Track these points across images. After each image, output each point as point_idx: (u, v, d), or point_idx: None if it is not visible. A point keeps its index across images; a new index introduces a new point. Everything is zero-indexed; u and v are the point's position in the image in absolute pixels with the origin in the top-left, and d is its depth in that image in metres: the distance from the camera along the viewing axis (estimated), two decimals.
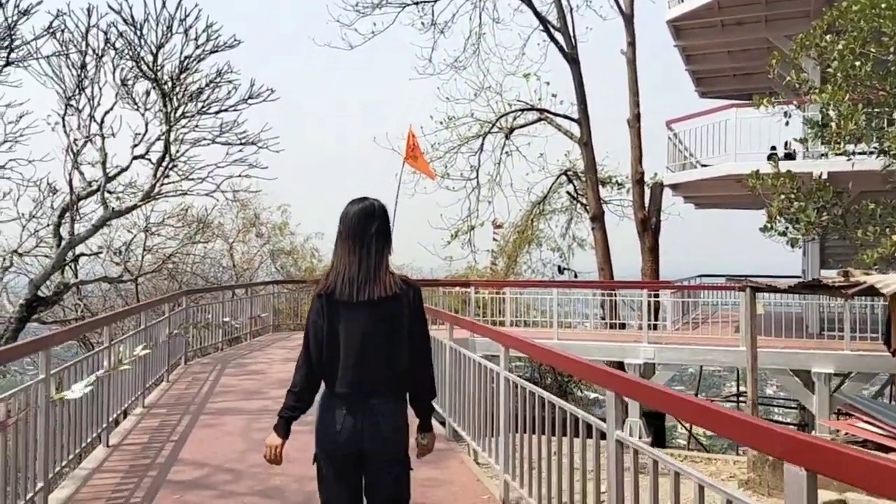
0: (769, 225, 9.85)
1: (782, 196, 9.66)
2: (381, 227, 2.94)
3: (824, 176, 12.02)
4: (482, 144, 18.72)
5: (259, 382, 9.15)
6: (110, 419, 6.20)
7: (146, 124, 12.67)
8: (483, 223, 18.83)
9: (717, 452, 13.41)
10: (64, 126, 12.27)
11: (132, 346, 7.16)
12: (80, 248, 18.26)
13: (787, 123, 10.38)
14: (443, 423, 6.59)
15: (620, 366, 14.55)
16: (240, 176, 12.36)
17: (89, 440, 5.69)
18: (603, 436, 3.34)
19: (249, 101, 12.17)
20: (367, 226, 2.91)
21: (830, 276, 14.59)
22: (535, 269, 21.13)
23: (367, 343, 2.84)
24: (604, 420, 3.36)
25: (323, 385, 2.93)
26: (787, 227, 9.78)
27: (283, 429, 3.02)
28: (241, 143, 12.07)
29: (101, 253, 17.18)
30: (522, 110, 18.82)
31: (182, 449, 5.98)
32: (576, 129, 18.51)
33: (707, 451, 15.27)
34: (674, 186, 16.45)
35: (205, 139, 12.25)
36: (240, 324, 13.00)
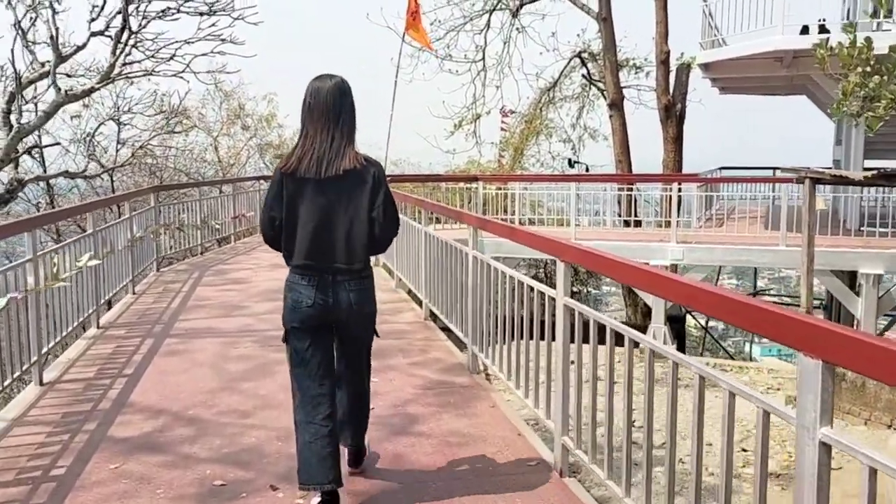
0: (840, 105, 8.27)
1: (859, 69, 8.04)
2: (352, 104, 2.99)
3: None
4: (489, 21, 16.71)
5: (241, 294, 7.84)
6: (44, 350, 4.88)
7: None
8: (489, 111, 17.10)
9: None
10: None
11: (75, 254, 5.76)
12: (46, 140, 16.71)
13: None
14: (462, 348, 5.33)
15: None
16: (212, 53, 10.60)
17: (11, 379, 4.38)
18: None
19: None
20: (342, 103, 2.94)
21: (876, 167, 13.14)
22: (544, 163, 19.59)
23: (330, 218, 2.91)
24: None
25: (287, 261, 3.01)
26: (861, 107, 8.21)
27: None
28: (211, 13, 10.24)
29: (60, 145, 15.53)
30: None
31: (136, 388, 4.69)
32: (593, 2, 16.48)
33: (732, 357, 14.33)
34: (705, 67, 14.66)
35: (170, 9, 10.41)
36: (221, 224, 11.59)
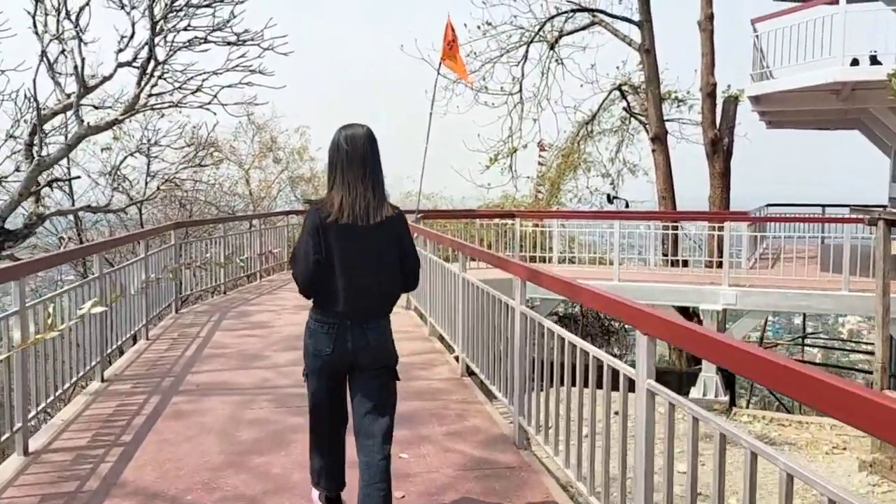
0: None
1: None
2: (379, 151, 3.03)
3: None
4: (526, 53, 16.19)
5: (261, 341, 7.23)
6: (30, 415, 4.29)
7: (133, 24, 10.50)
8: (526, 145, 16.49)
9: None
10: (35, 26, 10.15)
11: (78, 301, 5.21)
12: (76, 173, 16.49)
13: None
14: (506, 414, 4.62)
15: (686, 312, 12.53)
16: (240, 84, 10.17)
17: None
18: None
19: None
20: (374, 151, 2.98)
21: None
22: (582, 198, 18.87)
23: (364, 266, 2.93)
24: None
25: (312, 304, 3.04)
26: None
27: None
28: (240, 42, 9.84)
29: (80, 178, 15.26)
30: (573, 11, 16.17)
31: (131, 461, 4.06)
32: (636, 34, 15.89)
33: (788, 411, 13.33)
34: (755, 99, 13.93)
35: (197, 38, 10.03)
36: (245, 262, 11.06)
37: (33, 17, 10.03)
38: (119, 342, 6.43)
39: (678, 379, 13.09)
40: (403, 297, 9.72)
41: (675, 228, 14.30)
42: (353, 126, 3.02)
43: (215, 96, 10.20)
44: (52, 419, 4.86)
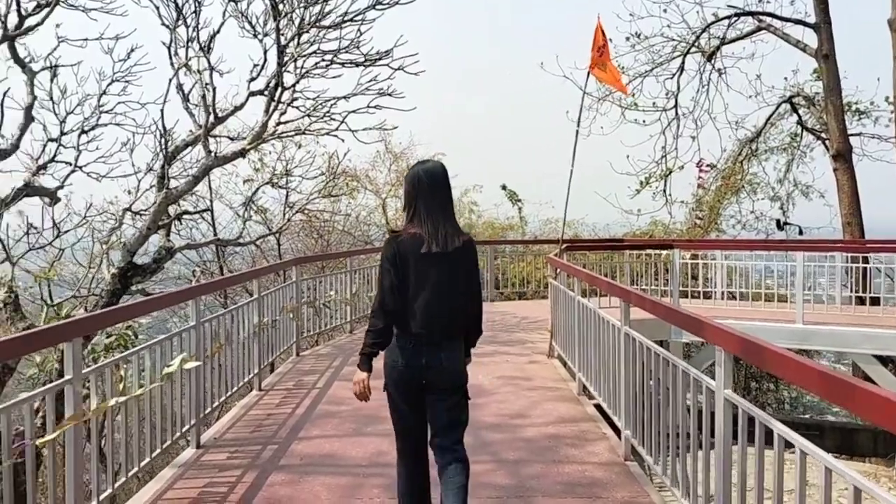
0: None
1: None
2: (450, 185, 3.30)
3: None
4: (682, 64, 14.55)
5: (382, 395, 6.24)
6: (103, 495, 3.48)
7: (265, 52, 10.12)
8: (682, 166, 14.77)
9: None
10: (170, 58, 10.01)
11: (166, 356, 4.45)
12: (217, 206, 16.66)
13: None
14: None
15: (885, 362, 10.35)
16: (370, 107, 9.44)
17: None
18: None
19: (379, 5, 9.15)
20: (447, 184, 3.26)
21: None
22: (747, 224, 16.77)
23: (438, 290, 3.14)
24: None
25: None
26: None
27: (366, 364, 3.27)
28: (367, 63, 9.12)
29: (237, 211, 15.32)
30: (736, 15, 14.36)
31: None
32: (811, 38, 13.87)
33: None
34: None
35: (323, 61, 9.43)
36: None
37: (168, 49, 9.88)
38: (224, 397, 5.66)
39: None
40: (545, 343, 8.53)
41: (866, 260, 12.08)
42: (428, 161, 3.32)
43: (343, 121, 9.53)
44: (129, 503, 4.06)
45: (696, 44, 15.13)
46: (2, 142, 9.13)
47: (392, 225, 22.63)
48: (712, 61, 15.36)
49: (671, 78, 14.69)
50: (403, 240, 3.14)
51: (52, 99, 9.88)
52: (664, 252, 12.65)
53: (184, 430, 4.70)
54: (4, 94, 8.86)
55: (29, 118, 9.34)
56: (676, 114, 14.59)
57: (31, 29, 8.85)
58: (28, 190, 9.29)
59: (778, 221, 16.43)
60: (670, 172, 14.54)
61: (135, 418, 3.97)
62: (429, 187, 3.18)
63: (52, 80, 9.85)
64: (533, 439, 5.05)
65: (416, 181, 3.20)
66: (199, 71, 9.85)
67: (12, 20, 8.96)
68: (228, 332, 5.67)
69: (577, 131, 8.02)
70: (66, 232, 10.24)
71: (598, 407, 5.79)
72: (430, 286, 3.11)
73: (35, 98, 9.38)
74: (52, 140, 10.00)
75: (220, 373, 5.58)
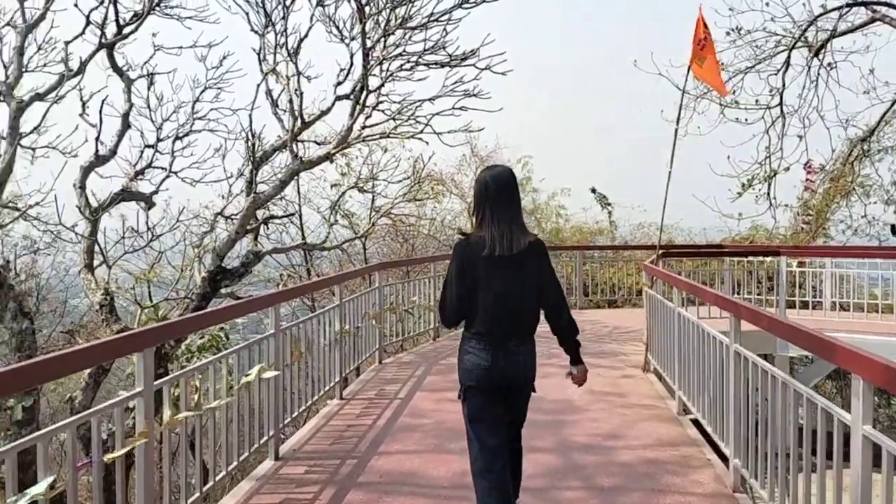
0: None
1: None
2: (518, 189, 3.40)
3: None
4: (788, 59, 13.61)
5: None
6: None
7: (351, 56, 10.06)
8: (788, 167, 13.81)
9: None
10: (260, 64, 10.10)
11: (244, 365, 4.31)
12: (306, 210, 16.84)
13: None
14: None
15: None
16: (455, 108, 9.20)
17: None
18: None
19: (466, 4, 8.90)
20: (515, 189, 3.33)
21: None
22: (858, 229, 15.57)
23: (510, 293, 3.21)
24: None
25: (464, 328, 3.32)
26: None
27: None
28: (453, 63, 8.87)
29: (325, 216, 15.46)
30: (849, 5, 13.30)
31: None
32: None
33: None
34: None
35: (409, 62, 9.26)
36: None
37: (258, 55, 9.96)
38: (304, 407, 5.51)
39: None
40: (638, 355, 8.03)
41: None
42: (496, 167, 3.42)
43: (428, 123, 9.33)
44: None
45: (803, 38, 14.14)
46: (101, 148, 9.39)
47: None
48: (820, 56, 14.31)
49: (775, 74, 13.75)
50: (471, 243, 3.22)
51: (149, 106, 10.12)
52: (767, 259, 11.87)
53: (262, 441, 4.55)
54: (103, 102, 9.12)
55: (126, 125, 9.58)
56: (781, 112, 13.61)
57: (126, 36, 9.05)
58: (124, 195, 9.53)
59: (893, 227, 15.19)
60: (775, 174, 13.58)
61: (210, 430, 3.83)
62: (496, 192, 3.25)
63: (149, 88, 10.09)
64: (629, 464, 4.64)
65: (483, 186, 3.29)
66: (287, 76, 9.88)
67: (111, 30, 9.23)
68: (309, 339, 5.53)
69: (676, 130, 7.51)
70: (159, 236, 10.50)
71: (698, 426, 5.32)
72: (498, 289, 3.19)
73: (132, 105, 9.61)
74: (148, 146, 10.25)
75: (301, 381, 5.44)
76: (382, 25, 9.37)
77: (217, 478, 3.94)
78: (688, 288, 5.70)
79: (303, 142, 10.98)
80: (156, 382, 3.20)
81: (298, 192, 16.62)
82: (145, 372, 3.07)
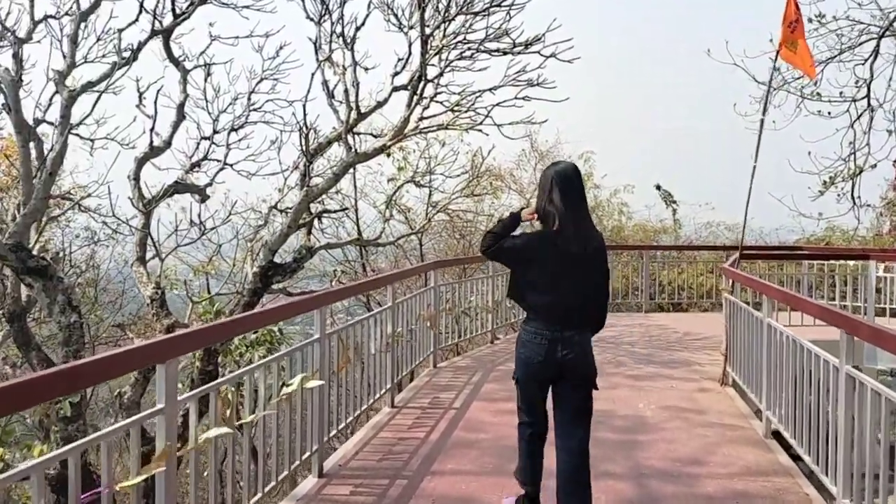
0: None
1: None
2: (584, 184, 3.51)
3: None
4: (877, 47, 12.60)
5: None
6: None
7: (409, 45, 9.66)
8: (875, 164, 12.81)
9: None
10: (316, 53, 9.80)
11: (282, 375, 3.93)
12: (362, 205, 16.58)
13: None
14: None
15: None
16: (515, 100, 8.69)
17: None
18: None
19: None
20: (581, 184, 3.40)
21: None
22: None
23: (574, 286, 3.30)
24: None
25: (525, 318, 3.49)
26: None
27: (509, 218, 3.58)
28: (516, 50, 8.37)
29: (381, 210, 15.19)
30: None
31: None
32: None
33: None
34: None
35: (469, 50, 8.79)
36: (513, 303, 9.51)
37: (314, 44, 9.65)
38: (349, 419, 5.12)
39: None
40: (714, 366, 7.40)
41: None
42: (562, 163, 3.49)
43: (488, 114, 8.86)
44: None
45: (893, 26, 13.08)
46: (156, 139, 9.22)
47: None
48: None
49: (862, 64, 12.74)
50: (543, 237, 3.32)
51: (205, 97, 9.92)
52: (851, 263, 11.01)
53: (304, 457, 4.17)
54: (158, 92, 8.94)
55: (181, 115, 9.39)
56: (868, 104, 12.64)
57: (180, 23, 8.82)
58: (178, 187, 9.35)
59: None
60: (860, 171, 12.61)
61: (245, 448, 3.45)
62: (565, 189, 3.29)
63: (205, 79, 9.88)
64: (715, 497, 4.07)
65: (551, 182, 3.32)
66: (343, 66, 9.54)
67: (166, 20, 9.04)
68: (358, 344, 5.13)
69: (762, 121, 6.84)
70: (212, 230, 10.33)
71: (788, 450, 4.73)
72: (567, 284, 3.28)
73: (187, 96, 9.41)
74: (204, 138, 10.06)
75: (349, 389, 5.05)
76: (442, 12, 8.93)
77: (253, 500, 3.56)
78: (782, 297, 5.07)
79: (358, 134, 10.64)
80: (180, 398, 2.83)
81: (355, 186, 16.34)
82: (167, 386, 2.70)
